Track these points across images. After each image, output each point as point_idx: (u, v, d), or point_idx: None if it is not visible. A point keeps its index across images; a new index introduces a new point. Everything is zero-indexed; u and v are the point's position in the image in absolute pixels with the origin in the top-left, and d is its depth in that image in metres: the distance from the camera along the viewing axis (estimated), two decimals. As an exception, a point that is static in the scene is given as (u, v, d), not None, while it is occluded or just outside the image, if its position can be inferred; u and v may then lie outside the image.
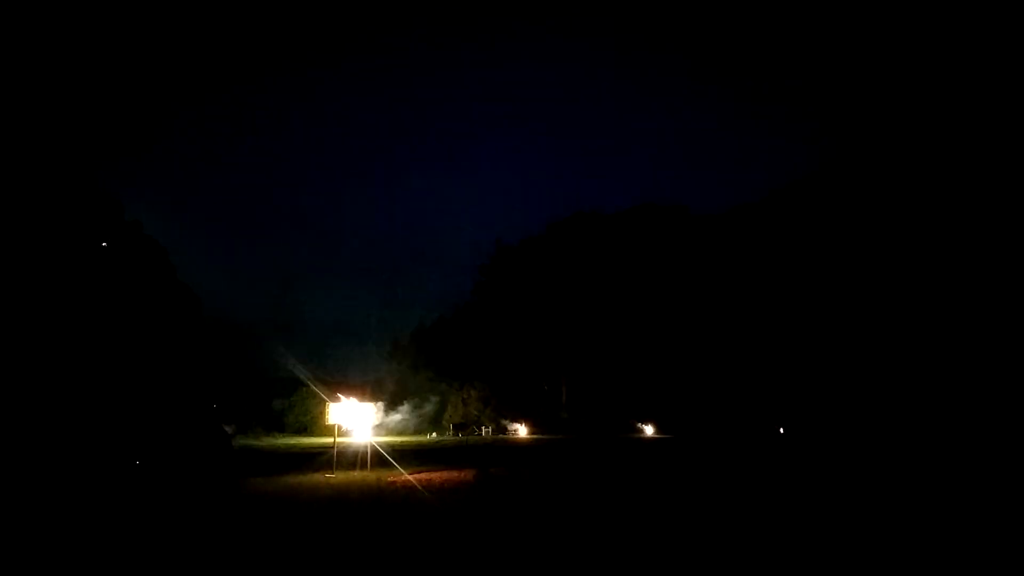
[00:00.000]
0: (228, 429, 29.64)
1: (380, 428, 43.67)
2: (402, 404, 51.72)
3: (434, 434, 46.60)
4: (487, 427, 47.46)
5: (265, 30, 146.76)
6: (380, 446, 22.72)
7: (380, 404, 44.79)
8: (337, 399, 19.20)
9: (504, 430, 47.12)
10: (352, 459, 19.51)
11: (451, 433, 46.31)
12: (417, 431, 48.90)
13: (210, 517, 10.50)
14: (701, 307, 46.92)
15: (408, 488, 13.73)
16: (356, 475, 16.60)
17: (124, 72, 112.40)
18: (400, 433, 46.77)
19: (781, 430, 37.14)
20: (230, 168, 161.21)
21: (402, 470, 17.37)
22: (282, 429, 47.43)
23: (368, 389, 47.86)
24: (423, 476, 16.00)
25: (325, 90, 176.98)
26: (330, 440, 21.94)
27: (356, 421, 18.80)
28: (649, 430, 44.19)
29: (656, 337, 47.06)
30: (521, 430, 46.50)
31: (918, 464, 17.22)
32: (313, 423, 46.40)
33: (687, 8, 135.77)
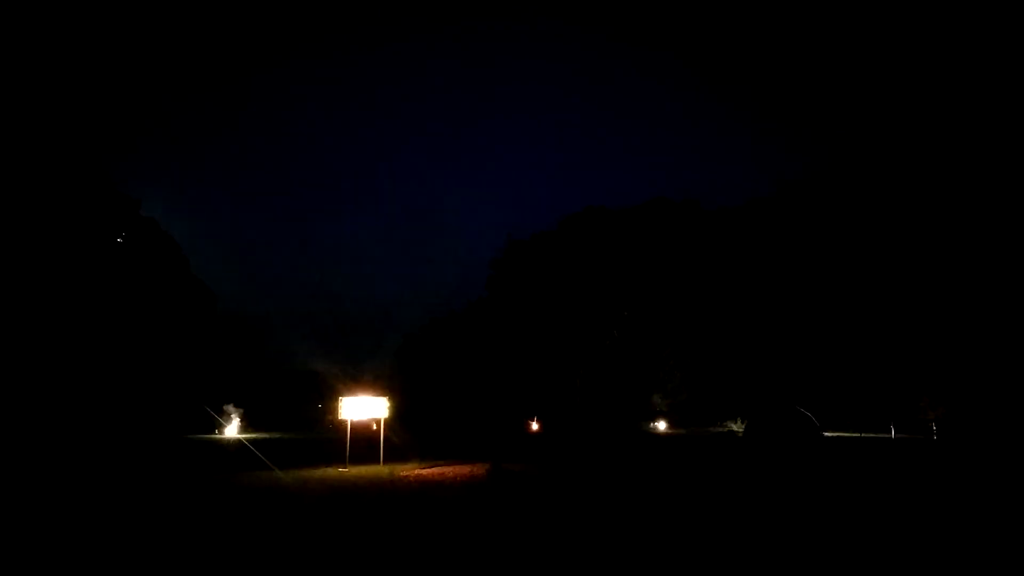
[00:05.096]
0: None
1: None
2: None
3: None
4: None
5: (283, 26, 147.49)
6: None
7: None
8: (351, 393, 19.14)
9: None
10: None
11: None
12: None
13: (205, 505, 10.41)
14: (714, 300, 46.34)
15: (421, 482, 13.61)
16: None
17: (142, 77, 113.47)
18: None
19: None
20: (240, 166, 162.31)
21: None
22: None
23: (381, 384, 47.83)
24: (436, 471, 15.94)
25: (338, 88, 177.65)
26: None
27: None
28: (662, 426, 43.86)
29: (669, 331, 46.56)
30: (533, 426, 46.21)
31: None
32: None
33: (695, 11, 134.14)
